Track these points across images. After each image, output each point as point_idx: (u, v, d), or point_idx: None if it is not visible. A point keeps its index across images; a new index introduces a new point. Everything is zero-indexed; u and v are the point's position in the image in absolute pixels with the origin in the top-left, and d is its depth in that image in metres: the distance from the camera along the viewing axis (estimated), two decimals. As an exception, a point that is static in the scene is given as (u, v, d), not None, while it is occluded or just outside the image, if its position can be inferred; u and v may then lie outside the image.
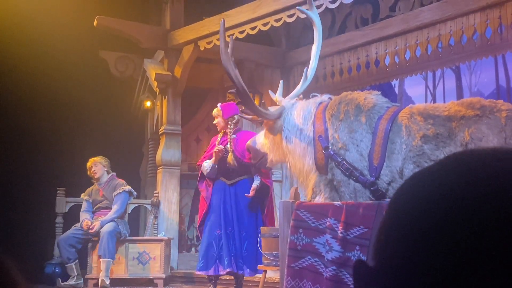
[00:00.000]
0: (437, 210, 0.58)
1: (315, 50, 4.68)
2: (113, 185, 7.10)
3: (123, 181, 7.17)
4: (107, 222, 6.84)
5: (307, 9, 4.84)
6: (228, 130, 5.58)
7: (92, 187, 7.21)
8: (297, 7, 5.25)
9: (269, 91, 4.63)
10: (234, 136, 5.57)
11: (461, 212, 0.56)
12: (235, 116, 5.61)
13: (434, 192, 0.60)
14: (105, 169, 7.15)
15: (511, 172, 0.58)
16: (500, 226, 0.54)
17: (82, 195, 7.20)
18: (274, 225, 5.53)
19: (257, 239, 5.49)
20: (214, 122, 5.73)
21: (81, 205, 7.34)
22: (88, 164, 7.15)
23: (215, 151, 5.53)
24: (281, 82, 4.79)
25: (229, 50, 4.26)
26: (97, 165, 7.12)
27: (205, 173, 5.65)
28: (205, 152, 5.92)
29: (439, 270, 0.55)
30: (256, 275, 5.79)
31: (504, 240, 0.54)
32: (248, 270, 5.48)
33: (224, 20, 4.47)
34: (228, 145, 5.56)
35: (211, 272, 5.51)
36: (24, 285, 0.81)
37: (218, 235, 5.54)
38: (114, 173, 7.24)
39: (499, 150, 0.62)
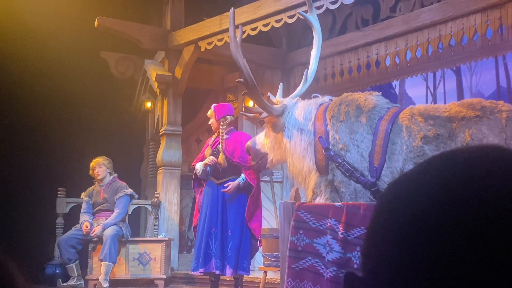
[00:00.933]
0: (423, 217, 0.57)
1: (314, 53, 4.70)
2: (114, 187, 7.07)
3: (124, 184, 7.14)
4: (109, 226, 6.83)
5: (307, 13, 4.86)
6: (220, 131, 5.59)
7: (92, 187, 7.18)
8: (298, 11, 5.26)
9: (269, 93, 4.63)
10: (226, 136, 5.57)
11: (448, 219, 0.56)
12: (228, 116, 5.64)
13: (418, 199, 0.59)
14: (108, 171, 7.12)
15: (497, 170, 0.58)
16: (490, 228, 0.54)
17: (82, 195, 7.16)
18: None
19: (241, 239, 5.50)
20: (209, 122, 5.77)
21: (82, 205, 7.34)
22: (92, 164, 7.11)
23: (206, 163, 5.54)
24: (280, 84, 4.81)
25: (238, 39, 4.28)
26: (101, 167, 7.08)
27: (198, 175, 5.68)
28: (200, 153, 5.90)
29: (428, 278, 0.55)
30: (256, 276, 5.79)
31: (494, 244, 0.53)
32: (231, 270, 5.46)
33: (233, 9, 4.46)
34: (220, 146, 5.56)
35: (199, 272, 5.55)
36: (24, 286, 0.81)
37: (207, 234, 5.53)
38: (116, 175, 7.22)
39: (484, 148, 0.62)
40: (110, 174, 7.15)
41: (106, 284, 6.59)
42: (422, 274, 0.55)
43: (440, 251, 0.55)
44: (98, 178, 7.10)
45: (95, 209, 7.09)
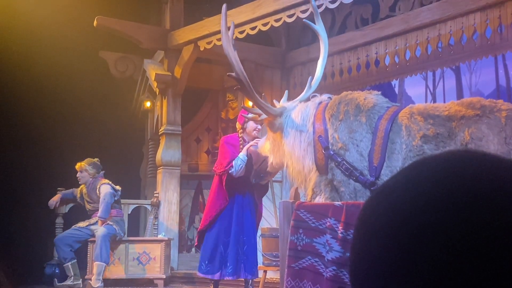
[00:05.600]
0: (404, 230, 0.57)
1: (321, 61, 4.74)
2: (94, 185, 7.12)
3: (103, 180, 7.14)
4: (103, 217, 6.86)
5: (310, 21, 4.91)
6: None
7: (81, 188, 7.31)
8: (304, 20, 5.27)
9: (274, 100, 4.63)
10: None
11: (429, 228, 0.55)
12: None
13: (399, 211, 0.58)
14: (90, 177, 7.15)
15: (473, 175, 0.58)
16: (474, 234, 0.54)
17: (77, 189, 7.32)
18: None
19: (255, 243, 5.50)
20: (257, 127, 5.37)
21: (80, 206, 7.35)
22: (76, 167, 7.23)
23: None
24: (286, 92, 4.83)
25: (230, 33, 4.28)
26: (82, 172, 7.17)
27: (236, 172, 5.28)
28: (226, 157, 5.40)
29: None
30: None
31: (481, 250, 0.53)
32: (249, 275, 5.44)
33: (225, 5, 4.46)
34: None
35: (216, 277, 5.40)
36: (7, 285, 0.81)
37: (227, 242, 5.43)
38: (100, 175, 7.21)
39: (462, 155, 0.62)
40: (93, 176, 7.17)
41: (97, 284, 6.58)
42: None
43: (427, 262, 0.54)
44: (79, 182, 7.25)
45: (88, 209, 7.16)
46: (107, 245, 6.77)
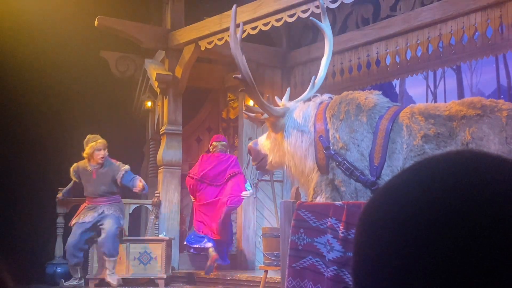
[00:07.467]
0: (408, 231, 0.57)
1: (324, 61, 4.73)
2: (112, 169, 6.91)
3: (118, 162, 7.02)
4: (147, 188, 7.07)
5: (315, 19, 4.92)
6: None
7: (82, 164, 7.02)
8: (310, 18, 5.26)
9: (276, 97, 4.64)
10: None
11: (432, 234, 0.55)
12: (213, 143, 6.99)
13: (402, 212, 0.58)
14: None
15: (478, 176, 0.58)
16: (475, 241, 0.54)
17: (71, 172, 7.09)
18: None
19: None
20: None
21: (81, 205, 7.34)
22: (96, 144, 6.86)
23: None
24: (288, 89, 4.83)
25: (238, 36, 4.29)
26: (105, 149, 6.91)
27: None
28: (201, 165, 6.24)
29: None
30: (257, 275, 5.80)
31: (481, 260, 0.53)
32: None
33: (235, 6, 4.47)
34: None
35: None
36: (10, 284, 0.81)
37: None
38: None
39: (465, 155, 0.62)
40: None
41: (116, 277, 6.57)
42: None
43: (430, 263, 0.54)
44: (99, 162, 6.90)
45: (87, 191, 6.97)
46: (116, 240, 6.77)
